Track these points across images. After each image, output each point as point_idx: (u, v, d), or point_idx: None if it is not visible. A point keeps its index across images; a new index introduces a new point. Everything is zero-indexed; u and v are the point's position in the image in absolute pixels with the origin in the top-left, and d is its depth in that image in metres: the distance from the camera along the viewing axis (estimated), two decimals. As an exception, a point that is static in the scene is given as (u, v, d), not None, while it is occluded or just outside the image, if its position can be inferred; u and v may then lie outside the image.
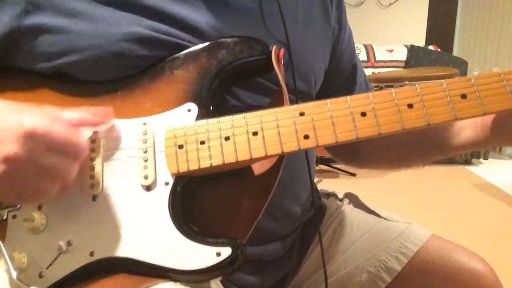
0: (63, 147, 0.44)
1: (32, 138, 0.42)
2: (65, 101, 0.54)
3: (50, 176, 0.44)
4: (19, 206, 0.50)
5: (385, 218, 0.78)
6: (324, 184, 2.52)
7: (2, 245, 0.48)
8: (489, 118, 0.56)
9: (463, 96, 0.47)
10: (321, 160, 3.02)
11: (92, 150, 0.50)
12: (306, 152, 0.64)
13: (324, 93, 0.73)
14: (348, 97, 0.48)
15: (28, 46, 0.54)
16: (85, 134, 0.47)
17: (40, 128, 0.43)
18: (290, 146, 0.47)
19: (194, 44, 0.55)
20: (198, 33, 0.55)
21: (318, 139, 0.47)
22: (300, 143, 0.47)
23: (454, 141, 0.63)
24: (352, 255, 0.74)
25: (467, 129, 0.61)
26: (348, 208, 0.81)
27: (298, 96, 0.62)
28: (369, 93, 0.48)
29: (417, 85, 0.48)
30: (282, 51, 0.55)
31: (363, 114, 0.47)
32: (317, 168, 3.06)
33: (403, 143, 0.71)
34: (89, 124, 0.49)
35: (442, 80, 0.47)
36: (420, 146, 0.69)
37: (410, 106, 0.47)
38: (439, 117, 0.46)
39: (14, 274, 0.47)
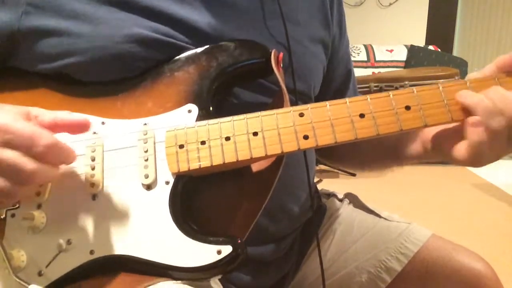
0: (25, 144, 0.41)
1: None
2: (65, 102, 0.54)
3: (8, 175, 0.41)
4: (17, 205, 0.50)
5: (385, 218, 0.78)
6: (324, 184, 2.52)
7: (0, 243, 0.48)
8: (429, 134, 0.57)
9: (407, 108, 0.48)
10: (321, 160, 3.01)
11: (92, 150, 0.51)
12: (304, 152, 0.64)
13: (318, 95, 0.73)
14: (347, 99, 0.49)
15: (29, 48, 0.54)
16: (49, 136, 0.43)
17: (2, 122, 0.41)
18: (290, 146, 0.48)
19: (195, 46, 0.55)
20: (198, 34, 0.56)
21: (318, 139, 0.48)
22: (299, 143, 0.48)
23: (403, 151, 0.65)
24: (352, 255, 0.74)
25: (412, 140, 0.63)
26: (348, 208, 0.81)
27: (298, 97, 0.62)
28: (368, 95, 0.49)
29: (413, 87, 0.49)
30: (281, 55, 0.56)
31: (362, 115, 0.48)
32: (317, 168, 3.05)
33: (363, 151, 0.75)
34: (62, 128, 0.46)
35: (439, 83, 0.48)
36: (377, 154, 0.72)
37: (407, 108, 0.48)
38: (436, 118, 0.47)
39: (13, 272, 0.47)
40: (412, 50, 3.70)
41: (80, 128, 0.47)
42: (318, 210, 0.79)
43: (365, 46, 3.84)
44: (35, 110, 0.46)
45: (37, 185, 0.46)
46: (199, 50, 0.55)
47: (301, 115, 0.49)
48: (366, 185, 2.75)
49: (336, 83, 0.78)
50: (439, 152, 0.55)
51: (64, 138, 0.47)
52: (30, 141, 0.42)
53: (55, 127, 0.46)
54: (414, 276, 0.70)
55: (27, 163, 0.42)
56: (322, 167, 3.09)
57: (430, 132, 0.56)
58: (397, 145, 0.66)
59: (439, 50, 3.78)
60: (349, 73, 0.80)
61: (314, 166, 0.76)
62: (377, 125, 0.47)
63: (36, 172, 0.42)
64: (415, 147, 0.62)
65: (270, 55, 0.54)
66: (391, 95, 0.48)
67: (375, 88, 2.83)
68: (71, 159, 0.47)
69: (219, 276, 0.48)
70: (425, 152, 0.60)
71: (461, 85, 0.48)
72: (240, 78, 0.56)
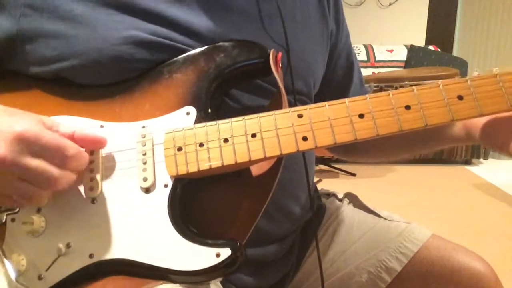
0: (51, 154, 0.44)
1: (21, 142, 0.42)
2: (63, 106, 0.54)
3: (35, 182, 0.44)
4: (17, 209, 0.50)
5: (385, 218, 0.78)
6: (324, 184, 2.51)
7: (0, 247, 0.48)
8: (478, 121, 0.56)
9: (460, 97, 0.47)
10: (321, 160, 3.02)
11: (91, 153, 0.50)
12: (303, 153, 0.64)
13: (321, 92, 0.73)
14: (346, 99, 0.49)
15: (26, 50, 0.54)
16: (74, 146, 0.46)
17: (30, 132, 0.43)
18: (289, 147, 0.48)
19: (193, 47, 0.55)
20: (196, 36, 0.55)
21: (317, 140, 0.47)
22: (298, 144, 0.48)
23: (436, 136, 0.64)
24: (352, 255, 0.74)
25: (451, 125, 0.62)
26: (348, 208, 0.81)
27: (297, 98, 0.62)
28: (367, 95, 0.48)
29: (413, 87, 0.48)
30: (280, 54, 0.55)
31: (361, 115, 0.47)
32: (317, 168, 3.06)
33: (388, 138, 0.72)
34: (78, 141, 0.48)
35: (439, 82, 0.48)
36: (405, 140, 0.71)
37: (407, 107, 0.47)
38: (437, 118, 0.47)
39: (13, 276, 0.47)
40: (412, 50, 3.70)
41: (95, 145, 0.50)
42: (318, 210, 0.79)
43: (365, 46, 3.85)
44: (48, 120, 0.47)
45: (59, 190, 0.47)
46: (197, 51, 0.54)
47: (300, 116, 0.48)
48: (366, 185, 2.75)
49: (337, 76, 0.78)
50: (488, 143, 0.55)
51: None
52: (57, 153, 0.45)
53: (71, 139, 0.48)
54: (414, 276, 0.70)
55: (54, 171, 0.44)
56: (322, 167, 3.10)
57: (480, 119, 0.55)
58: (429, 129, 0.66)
59: (439, 50, 3.78)
60: (351, 66, 0.80)
61: (313, 166, 0.76)
62: (376, 126, 0.47)
63: (61, 179, 0.45)
64: (456, 131, 0.61)
65: (269, 55, 0.53)
66: (390, 95, 0.48)
67: (375, 88, 2.84)
68: (86, 163, 0.48)
69: (219, 279, 0.47)
70: (468, 138, 0.59)
71: (461, 83, 0.48)
72: (238, 78, 0.56)
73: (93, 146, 0.50)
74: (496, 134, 0.53)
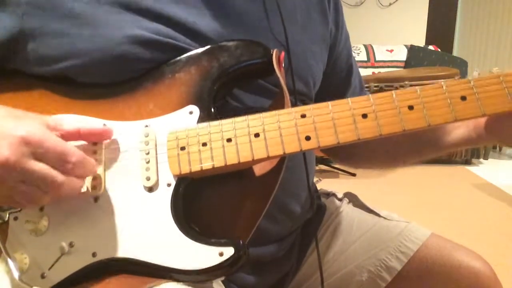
0: (55, 159, 0.44)
1: (25, 145, 0.42)
2: (66, 105, 0.54)
3: (38, 185, 0.44)
4: (20, 208, 0.50)
5: (384, 218, 0.78)
6: (324, 184, 2.52)
7: (3, 246, 0.48)
8: (482, 118, 0.56)
9: (463, 98, 0.47)
10: (321, 160, 3.02)
11: (94, 152, 0.51)
12: (304, 153, 0.64)
13: (319, 94, 0.73)
14: (349, 99, 0.49)
15: (29, 49, 0.54)
16: (79, 153, 0.46)
17: (35, 136, 0.43)
18: (292, 147, 0.48)
19: (195, 47, 0.55)
20: (198, 36, 0.56)
21: (320, 140, 0.47)
22: (301, 144, 0.48)
23: (447, 139, 0.64)
24: (352, 255, 0.74)
25: (459, 127, 0.62)
26: (347, 208, 0.81)
27: (298, 98, 0.62)
28: (370, 95, 0.48)
29: (417, 87, 0.48)
30: (283, 54, 0.56)
31: (364, 115, 0.48)
32: (317, 168, 3.06)
33: (397, 143, 0.72)
34: (84, 137, 0.49)
35: (442, 82, 0.48)
36: (414, 145, 0.70)
37: (410, 107, 0.47)
38: (439, 118, 0.47)
39: (16, 275, 0.47)
40: (412, 50, 3.70)
41: (102, 136, 0.50)
42: (318, 209, 0.79)
43: (365, 46, 3.84)
44: (52, 120, 0.47)
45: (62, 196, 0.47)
46: (200, 50, 0.54)
47: (303, 115, 0.48)
48: (366, 185, 2.75)
49: (336, 78, 0.78)
50: (497, 139, 0.55)
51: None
52: (61, 157, 0.44)
53: (78, 136, 0.48)
54: (414, 274, 0.70)
55: (57, 176, 0.44)
56: (322, 167, 3.10)
57: (482, 118, 0.55)
58: (439, 132, 0.65)
59: (439, 50, 3.78)
60: (350, 68, 0.80)
61: (313, 166, 0.76)
62: (379, 125, 0.47)
63: (65, 184, 0.45)
64: (464, 132, 0.61)
65: (272, 55, 0.54)
66: (393, 95, 0.48)
67: (375, 88, 2.84)
68: (94, 171, 0.49)
69: (222, 278, 0.48)
70: (478, 138, 0.59)
71: (464, 83, 0.48)
72: (241, 78, 0.56)
73: (100, 138, 0.50)
74: (504, 129, 0.53)
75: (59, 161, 0.44)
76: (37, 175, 0.43)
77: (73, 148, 0.46)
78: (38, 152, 0.43)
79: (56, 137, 0.45)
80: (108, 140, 0.51)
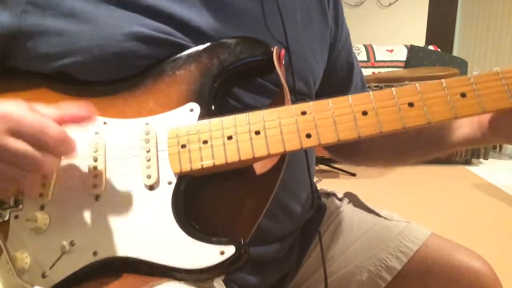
0: (35, 136, 0.43)
1: (4, 123, 0.42)
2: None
3: (17, 163, 0.43)
4: (21, 206, 0.50)
5: (384, 218, 0.78)
6: (324, 184, 2.52)
7: (4, 245, 0.48)
8: (486, 116, 0.56)
9: (463, 95, 0.47)
10: (321, 160, 3.02)
11: (95, 150, 0.51)
12: (305, 151, 0.64)
13: (321, 92, 0.73)
14: (349, 96, 0.48)
15: (28, 47, 0.54)
16: (58, 128, 0.45)
17: (14, 114, 0.43)
18: (293, 145, 0.48)
19: (195, 44, 0.55)
20: (198, 34, 0.56)
21: (320, 137, 0.47)
22: (302, 141, 0.48)
23: (450, 138, 0.64)
24: (352, 254, 0.74)
25: (464, 126, 0.62)
26: (347, 208, 0.81)
27: (298, 97, 0.62)
28: (370, 92, 0.48)
29: (417, 84, 0.48)
30: (283, 52, 0.56)
31: (365, 113, 0.47)
32: (317, 168, 3.06)
33: (400, 141, 0.71)
34: (68, 121, 0.47)
35: (442, 79, 0.48)
36: (417, 143, 0.70)
37: (410, 105, 0.47)
38: (440, 115, 0.47)
39: (17, 274, 0.47)
40: (412, 50, 3.70)
41: (84, 120, 0.48)
42: (318, 209, 0.79)
43: (365, 46, 3.85)
44: (34, 105, 0.46)
45: (42, 174, 0.47)
46: (200, 48, 0.54)
47: (303, 113, 0.48)
48: (366, 185, 2.75)
49: (337, 77, 0.78)
50: (501, 138, 0.55)
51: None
52: (40, 133, 0.43)
53: (60, 121, 0.47)
54: (414, 274, 0.70)
55: (36, 153, 0.43)
56: (322, 167, 3.10)
57: (485, 116, 0.55)
58: (443, 131, 0.65)
59: (439, 50, 3.78)
60: (351, 66, 0.80)
61: (314, 165, 0.76)
62: (380, 123, 0.47)
63: (44, 162, 0.44)
64: (469, 131, 0.61)
65: (272, 52, 0.54)
66: (394, 92, 0.48)
67: (375, 88, 2.84)
68: (73, 150, 0.47)
69: (222, 277, 0.48)
70: (482, 137, 0.59)
71: (464, 81, 0.48)
72: (241, 76, 0.56)
73: (82, 121, 0.48)
74: (508, 127, 0.53)
75: (38, 138, 0.43)
76: (15, 152, 0.42)
77: (52, 124, 0.44)
78: (16, 130, 0.42)
79: (35, 115, 0.44)
80: (107, 139, 0.51)
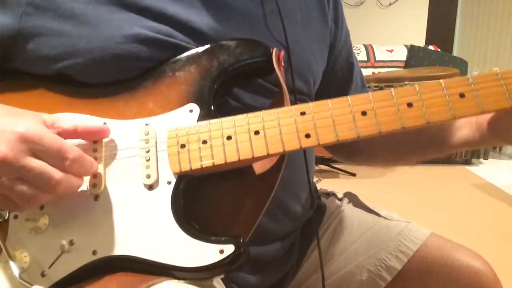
0: (53, 156, 0.44)
1: (23, 142, 0.42)
2: (66, 104, 0.54)
3: (35, 183, 0.43)
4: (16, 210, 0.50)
5: (384, 217, 0.78)
6: (324, 184, 2.52)
7: (3, 244, 0.48)
8: (485, 118, 0.57)
9: (461, 95, 0.47)
10: (321, 160, 3.02)
11: (94, 150, 0.51)
12: (304, 151, 0.64)
13: (321, 92, 0.73)
14: (348, 96, 0.49)
15: (28, 49, 0.54)
16: (76, 150, 0.45)
17: (33, 133, 0.43)
18: (292, 145, 0.48)
19: (195, 46, 0.55)
20: (198, 35, 0.56)
21: (319, 137, 0.48)
22: (301, 141, 0.48)
23: (450, 140, 0.64)
24: (352, 254, 0.74)
25: (463, 128, 0.62)
26: (347, 208, 0.81)
27: (298, 97, 0.62)
28: (369, 93, 0.48)
29: (416, 84, 0.48)
30: (282, 53, 0.56)
31: (364, 113, 0.48)
32: (317, 168, 3.06)
33: (400, 141, 0.72)
34: (82, 135, 0.49)
35: (441, 80, 0.48)
36: (417, 144, 0.70)
37: (409, 105, 0.47)
38: (438, 116, 0.47)
39: (16, 273, 0.47)
40: (412, 50, 3.70)
41: (100, 134, 0.50)
42: (318, 209, 0.79)
43: (365, 46, 3.84)
44: (49, 117, 0.47)
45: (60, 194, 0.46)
46: (200, 49, 0.55)
47: (303, 113, 0.48)
48: (366, 185, 2.75)
49: (337, 77, 0.78)
50: (500, 139, 0.55)
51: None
52: (59, 154, 0.44)
53: (75, 134, 0.48)
54: (414, 274, 0.70)
55: (55, 174, 0.44)
56: (322, 167, 3.10)
57: (484, 118, 0.56)
58: (443, 132, 0.65)
59: (439, 50, 3.78)
60: (351, 66, 0.80)
61: (313, 165, 0.76)
62: (379, 123, 0.47)
63: (62, 183, 0.44)
64: (468, 133, 0.61)
65: (271, 54, 0.54)
66: (392, 92, 0.48)
67: (375, 88, 2.84)
68: (94, 170, 0.48)
69: (222, 276, 0.48)
70: (481, 138, 0.59)
71: (463, 81, 0.48)
72: (241, 77, 0.56)
73: (97, 136, 0.50)
74: (507, 128, 0.53)
75: (57, 158, 0.44)
76: (35, 172, 0.42)
77: (70, 145, 0.45)
78: (36, 149, 0.43)
79: (54, 134, 0.45)
80: (107, 139, 0.51)
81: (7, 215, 0.50)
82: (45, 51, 0.53)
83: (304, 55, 0.66)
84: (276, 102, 0.56)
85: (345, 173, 3.06)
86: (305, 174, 0.66)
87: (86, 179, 0.49)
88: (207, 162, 0.48)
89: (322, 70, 0.73)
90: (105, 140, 0.51)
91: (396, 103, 0.48)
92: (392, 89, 0.48)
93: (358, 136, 0.47)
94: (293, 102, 0.60)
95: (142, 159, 0.50)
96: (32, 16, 0.53)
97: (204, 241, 0.47)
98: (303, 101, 0.66)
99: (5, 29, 0.53)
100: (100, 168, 0.50)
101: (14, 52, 0.54)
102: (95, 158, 0.50)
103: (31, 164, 0.42)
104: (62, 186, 0.44)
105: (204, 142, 0.49)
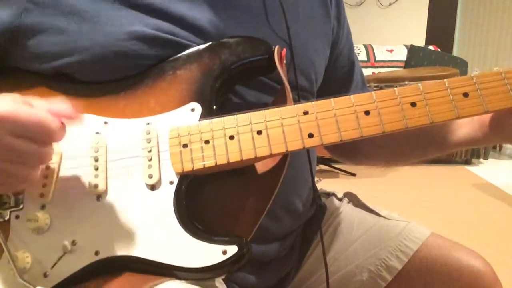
0: (35, 131, 0.43)
1: (2, 124, 0.41)
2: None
3: (23, 161, 0.43)
4: (21, 206, 0.50)
5: (384, 217, 0.78)
6: (324, 184, 2.52)
7: (5, 245, 0.48)
8: (487, 116, 0.56)
9: (465, 95, 0.47)
10: (321, 160, 3.02)
11: (96, 150, 0.51)
12: (307, 150, 0.64)
13: (322, 89, 0.73)
14: (351, 96, 0.48)
15: (29, 46, 0.53)
16: (53, 119, 0.44)
17: (6, 111, 0.42)
18: (295, 144, 0.48)
19: (196, 43, 0.55)
20: (200, 32, 0.55)
21: (323, 137, 0.47)
22: (304, 141, 0.48)
23: (451, 139, 0.64)
24: (353, 254, 0.74)
25: (465, 126, 0.62)
26: (347, 208, 0.81)
27: (300, 93, 0.62)
28: (373, 92, 0.48)
29: (419, 84, 0.48)
30: (284, 51, 0.55)
31: (367, 112, 0.47)
32: (317, 168, 3.06)
33: (401, 140, 0.71)
34: (58, 115, 0.46)
35: (444, 79, 0.48)
36: (418, 143, 0.70)
37: (413, 104, 0.47)
38: (442, 115, 0.47)
39: (18, 274, 0.47)
40: (412, 50, 3.70)
41: (70, 120, 0.47)
42: (319, 209, 0.79)
43: (365, 46, 3.85)
44: (31, 100, 0.46)
45: (44, 166, 0.47)
46: (201, 47, 0.54)
47: (306, 112, 0.48)
48: (366, 185, 2.75)
49: (338, 75, 0.78)
50: (502, 138, 0.55)
51: (66, 139, 0.47)
52: (41, 128, 0.43)
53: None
54: (414, 274, 0.70)
55: (37, 148, 0.44)
56: (322, 167, 3.10)
57: (486, 116, 0.55)
58: (444, 131, 0.65)
59: (439, 50, 3.78)
60: (352, 65, 0.80)
61: (315, 165, 0.76)
62: (382, 123, 0.47)
63: (49, 154, 0.45)
64: (470, 132, 0.61)
65: (273, 52, 0.53)
66: (396, 92, 0.48)
67: (375, 88, 2.84)
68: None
69: (223, 276, 0.48)
70: (483, 137, 0.59)
71: (466, 80, 0.48)
72: (243, 75, 0.56)
73: (69, 121, 0.47)
74: (509, 127, 0.53)
75: (41, 132, 0.43)
76: (20, 150, 0.42)
77: (49, 115, 0.44)
78: (15, 127, 0.42)
79: (28, 108, 0.43)
80: (107, 139, 0.51)
81: (8, 215, 0.49)
82: (45, 47, 0.53)
83: (307, 51, 0.66)
84: (279, 99, 0.56)
85: (345, 173, 3.06)
86: (307, 172, 0.66)
87: (86, 179, 0.49)
88: (209, 162, 0.48)
89: (324, 66, 0.73)
90: (106, 139, 0.51)
91: (399, 103, 0.47)
92: (395, 88, 0.48)
93: (361, 135, 0.47)
94: (296, 99, 0.60)
95: (144, 159, 0.50)
96: (33, 13, 0.53)
97: (207, 242, 0.46)
98: (306, 98, 0.66)
99: (5, 25, 0.53)
100: (102, 169, 0.50)
101: (14, 49, 0.54)
102: (96, 158, 0.50)
103: (13, 143, 0.42)
104: (48, 157, 0.45)
105: (207, 141, 0.49)
